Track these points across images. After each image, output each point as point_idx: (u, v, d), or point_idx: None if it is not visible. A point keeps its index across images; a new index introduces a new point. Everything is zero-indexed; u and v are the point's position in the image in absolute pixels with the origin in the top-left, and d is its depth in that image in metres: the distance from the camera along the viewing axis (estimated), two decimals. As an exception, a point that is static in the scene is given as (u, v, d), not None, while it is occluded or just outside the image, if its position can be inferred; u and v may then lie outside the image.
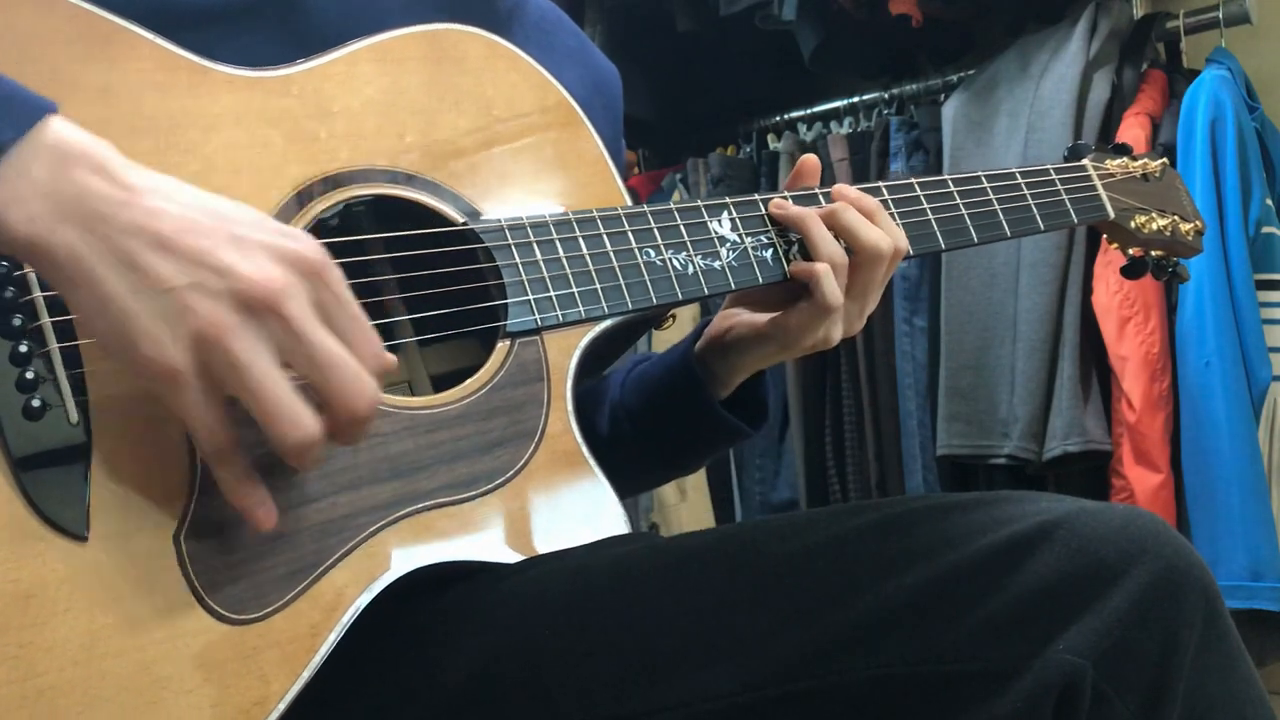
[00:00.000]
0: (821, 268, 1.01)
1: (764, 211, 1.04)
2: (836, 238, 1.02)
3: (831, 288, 1.01)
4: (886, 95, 2.75)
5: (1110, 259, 2.22)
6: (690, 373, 1.08)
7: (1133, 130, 2.24)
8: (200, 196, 0.70)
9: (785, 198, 1.05)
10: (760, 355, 1.07)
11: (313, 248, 0.71)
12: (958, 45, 2.73)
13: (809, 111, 2.89)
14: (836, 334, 1.04)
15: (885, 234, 1.03)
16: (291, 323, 0.68)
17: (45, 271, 0.67)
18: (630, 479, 1.07)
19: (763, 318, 1.06)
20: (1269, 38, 2.45)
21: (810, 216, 1.02)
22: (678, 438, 1.13)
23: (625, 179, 1.06)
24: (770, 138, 2.94)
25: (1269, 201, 2.22)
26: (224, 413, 0.70)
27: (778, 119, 2.93)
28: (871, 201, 1.05)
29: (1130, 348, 2.20)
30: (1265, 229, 2.20)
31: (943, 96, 2.60)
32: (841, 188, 1.06)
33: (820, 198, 1.06)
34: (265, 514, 0.73)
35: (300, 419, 0.68)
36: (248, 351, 0.67)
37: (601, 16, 2.88)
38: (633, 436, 1.11)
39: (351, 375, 0.70)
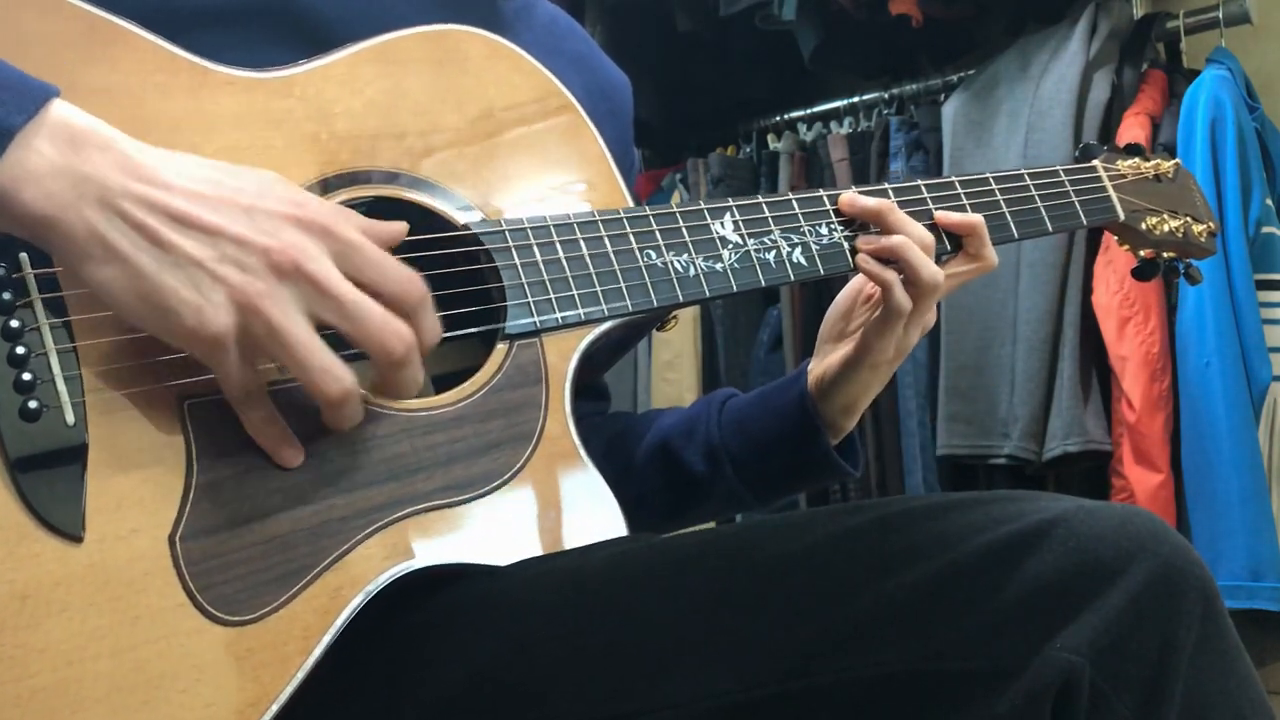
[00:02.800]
0: (892, 275, 1.04)
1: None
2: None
3: (900, 293, 1.04)
4: (886, 95, 2.75)
5: (1111, 259, 2.22)
6: (810, 423, 1.11)
7: (1133, 130, 2.24)
8: (204, 168, 0.73)
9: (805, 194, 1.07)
10: (863, 385, 1.10)
11: (318, 207, 0.75)
12: (958, 45, 2.73)
13: (809, 111, 2.89)
14: (912, 338, 1.08)
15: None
16: (316, 281, 0.72)
17: (64, 249, 0.69)
18: (711, 515, 1.10)
19: (847, 345, 1.10)
20: (1269, 38, 2.45)
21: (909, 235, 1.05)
22: (786, 483, 1.17)
23: (633, 187, 1.06)
24: (770, 138, 2.94)
25: (1269, 201, 2.22)
26: (255, 366, 0.74)
27: (778, 119, 2.94)
28: (922, 233, 1.08)
29: (1130, 348, 2.20)
30: (1265, 229, 2.21)
31: (943, 96, 2.60)
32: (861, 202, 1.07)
33: (826, 199, 1.07)
34: (291, 453, 0.77)
35: (336, 374, 0.74)
36: (282, 316, 0.71)
37: (601, 16, 2.88)
38: (734, 478, 1.14)
39: (379, 321, 0.75)
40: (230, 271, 0.70)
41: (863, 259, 1.05)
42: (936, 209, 1.11)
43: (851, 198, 1.06)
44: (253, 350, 0.73)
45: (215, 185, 0.72)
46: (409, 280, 0.77)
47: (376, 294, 0.76)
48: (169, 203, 0.70)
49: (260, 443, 0.76)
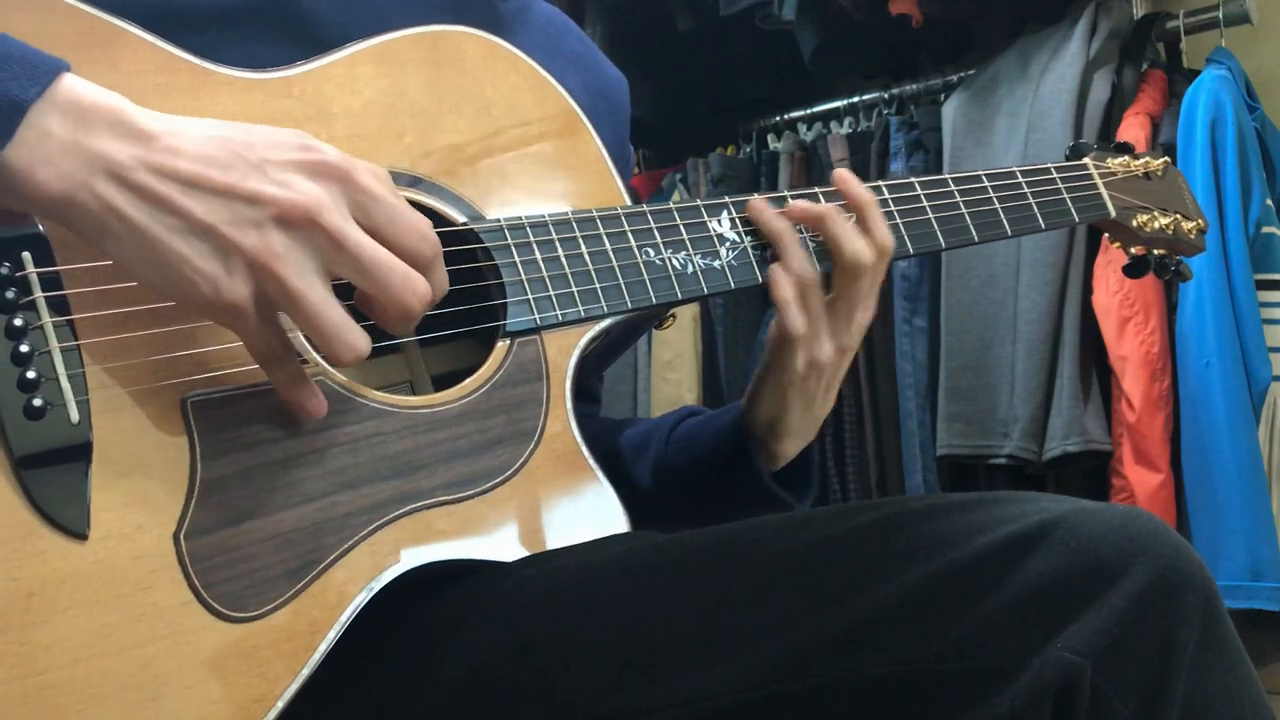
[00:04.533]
0: (784, 295, 1.00)
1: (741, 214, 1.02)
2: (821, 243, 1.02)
3: (793, 316, 1.00)
4: (886, 95, 2.75)
5: (1111, 259, 2.22)
6: (742, 447, 1.06)
7: (1133, 130, 2.24)
8: (213, 128, 0.72)
9: (782, 198, 1.04)
10: (776, 403, 1.05)
11: (334, 154, 0.73)
12: (958, 45, 2.74)
13: (809, 111, 2.89)
14: (823, 353, 1.03)
15: (869, 244, 1.02)
16: (332, 233, 0.71)
17: (82, 227, 0.69)
18: (664, 528, 1.08)
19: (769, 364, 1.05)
20: (1269, 38, 2.45)
21: (788, 232, 1.01)
22: (724, 505, 1.10)
23: (628, 184, 1.06)
24: (770, 138, 2.94)
25: (1269, 201, 2.22)
26: (278, 324, 0.74)
27: (778, 119, 2.94)
28: (866, 196, 1.03)
29: (1130, 348, 2.20)
30: (1265, 229, 2.20)
31: (943, 96, 2.60)
32: (842, 175, 1.04)
33: (820, 196, 1.05)
34: (316, 405, 0.77)
35: (350, 339, 0.72)
36: (297, 278, 0.71)
37: (601, 16, 2.88)
38: (677, 496, 1.11)
39: (400, 276, 0.73)
40: (244, 234, 0.70)
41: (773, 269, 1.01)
42: (930, 205, 1.11)
43: (759, 206, 1.03)
44: (271, 310, 0.73)
45: (225, 143, 0.71)
46: (425, 234, 0.76)
47: (392, 246, 0.74)
48: (179, 167, 0.69)
49: (286, 398, 0.77)
